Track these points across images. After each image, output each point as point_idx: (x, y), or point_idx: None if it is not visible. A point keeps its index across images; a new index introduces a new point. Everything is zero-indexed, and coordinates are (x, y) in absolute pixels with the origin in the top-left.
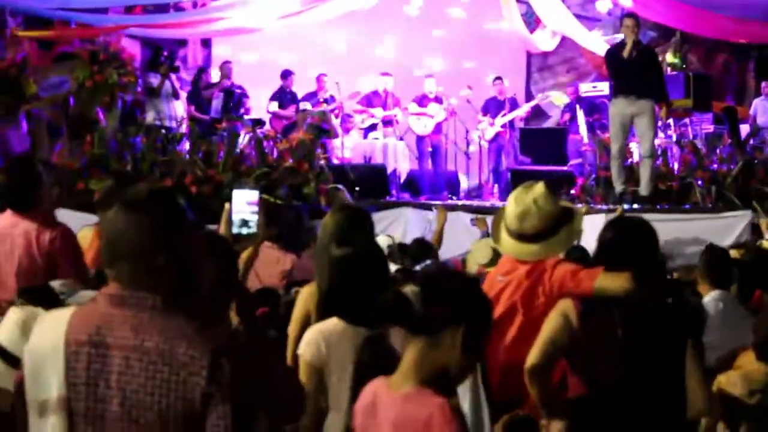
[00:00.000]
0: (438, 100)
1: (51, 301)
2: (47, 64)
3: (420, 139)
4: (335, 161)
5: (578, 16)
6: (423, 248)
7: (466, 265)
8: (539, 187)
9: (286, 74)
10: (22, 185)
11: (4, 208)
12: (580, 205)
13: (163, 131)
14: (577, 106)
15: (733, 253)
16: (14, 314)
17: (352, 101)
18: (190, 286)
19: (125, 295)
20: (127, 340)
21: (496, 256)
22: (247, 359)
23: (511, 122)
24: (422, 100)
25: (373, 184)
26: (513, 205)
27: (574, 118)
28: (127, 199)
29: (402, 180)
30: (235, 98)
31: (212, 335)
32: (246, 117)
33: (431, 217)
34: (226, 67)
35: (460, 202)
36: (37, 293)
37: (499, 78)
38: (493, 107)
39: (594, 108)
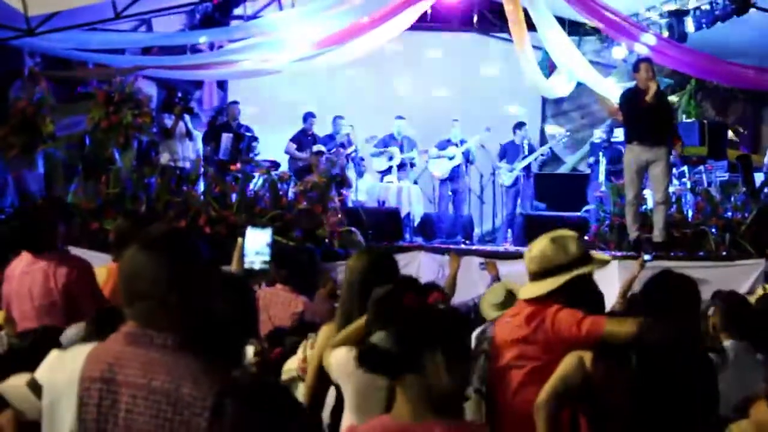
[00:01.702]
0: (458, 144)
1: None
2: (64, 104)
3: (441, 183)
4: (349, 204)
5: (594, 63)
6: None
7: (481, 306)
8: (554, 232)
9: (307, 116)
10: (36, 230)
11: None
12: (608, 254)
13: (178, 172)
14: (601, 153)
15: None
16: (54, 353)
17: (368, 144)
18: (205, 326)
19: (139, 333)
20: (135, 378)
21: (509, 297)
22: (253, 401)
23: (528, 167)
24: (444, 144)
25: (386, 227)
26: (529, 247)
27: (597, 162)
28: (145, 239)
29: (415, 224)
30: (245, 140)
31: (220, 376)
32: (260, 158)
33: (444, 262)
34: (233, 109)
35: (473, 247)
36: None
37: (522, 124)
38: (511, 152)
39: (616, 155)
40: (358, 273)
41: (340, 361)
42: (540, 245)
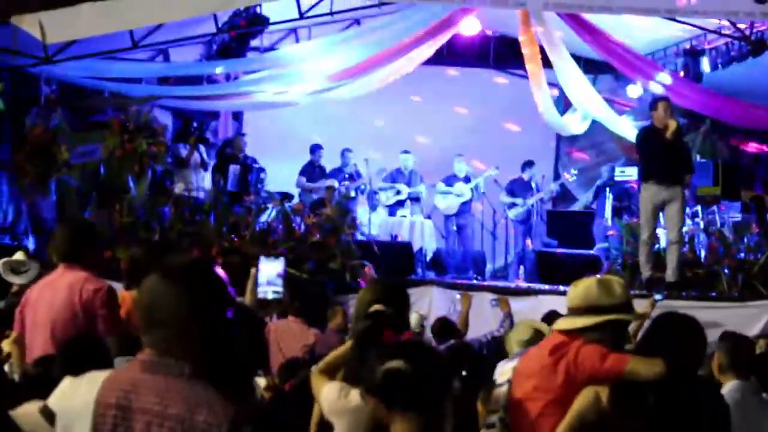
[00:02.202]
0: (467, 180)
1: (98, 357)
2: (79, 132)
3: (447, 218)
4: (361, 237)
5: (609, 101)
6: (446, 328)
7: (507, 342)
8: (596, 278)
9: (314, 149)
10: (80, 240)
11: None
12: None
13: (191, 202)
14: (608, 189)
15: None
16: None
17: (378, 177)
18: (223, 356)
19: (156, 361)
20: (151, 406)
21: (536, 335)
22: (267, 429)
23: (540, 204)
24: (450, 180)
25: (398, 261)
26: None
27: (600, 198)
28: (166, 269)
29: (428, 258)
30: (253, 172)
31: (235, 404)
32: (272, 190)
33: (456, 299)
34: (240, 140)
35: (485, 283)
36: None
37: (531, 162)
38: (518, 188)
39: (623, 193)
40: (367, 305)
41: (331, 397)
42: (586, 283)
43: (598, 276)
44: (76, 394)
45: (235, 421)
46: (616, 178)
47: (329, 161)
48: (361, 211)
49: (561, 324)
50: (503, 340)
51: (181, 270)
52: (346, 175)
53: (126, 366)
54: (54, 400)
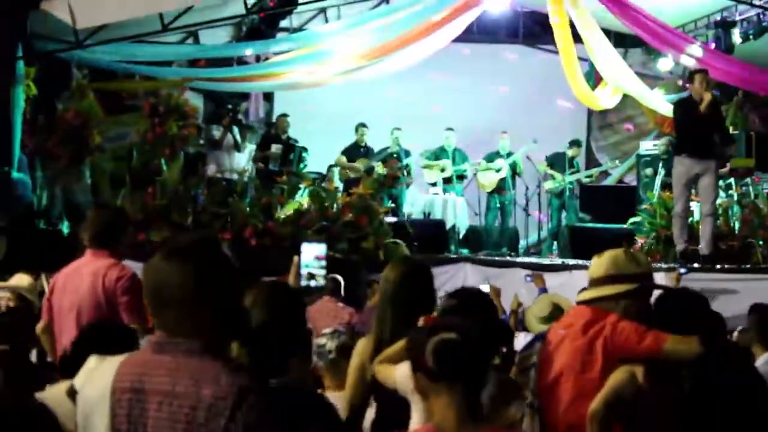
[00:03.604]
0: (504, 156)
1: (122, 342)
2: (111, 115)
3: (489, 195)
4: (397, 216)
5: (639, 74)
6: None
7: (526, 319)
8: (621, 248)
9: (358, 127)
10: (108, 225)
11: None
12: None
13: (224, 183)
14: (660, 164)
15: None
16: (92, 361)
17: (421, 157)
18: (234, 331)
19: (165, 341)
20: (162, 386)
21: (555, 310)
22: (274, 400)
23: (575, 179)
24: (492, 156)
25: (432, 239)
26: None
27: (656, 173)
28: (168, 249)
29: (461, 236)
30: (295, 152)
31: (242, 376)
32: (306, 170)
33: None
34: (283, 121)
35: (519, 259)
36: (103, 332)
37: (577, 143)
38: (558, 162)
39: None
40: (391, 284)
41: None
42: (611, 253)
43: (621, 249)
44: (95, 380)
45: (241, 393)
46: (649, 153)
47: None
48: (399, 189)
49: (587, 294)
50: None
51: (182, 249)
52: (393, 154)
53: (140, 349)
54: (79, 381)
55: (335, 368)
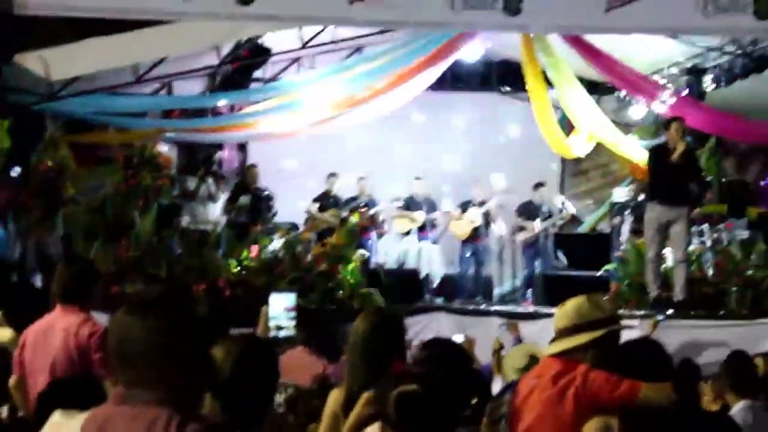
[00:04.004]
0: (475, 204)
1: (87, 395)
2: (85, 167)
3: (463, 244)
4: (370, 265)
5: (612, 122)
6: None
7: (503, 368)
8: (584, 295)
9: (329, 176)
10: (80, 280)
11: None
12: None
13: (199, 234)
14: (627, 212)
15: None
16: (56, 416)
17: (392, 205)
18: (200, 385)
19: (127, 393)
20: None
21: (532, 361)
22: None
23: (548, 227)
24: (465, 205)
25: (406, 288)
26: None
27: (623, 222)
28: (133, 302)
29: (435, 284)
30: (262, 202)
31: (195, 424)
32: (279, 220)
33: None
34: (253, 171)
35: (493, 308)
36: (70, 387)
37: (541, 184)
38: (530, 211)
39: (641, 215)
40: (361, 334)
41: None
42: (573, 302)
43: (583, 296)
44: None
45: None
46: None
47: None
48: (372, 239)
49: (554, 347)
50: None
51: (148, 302)
52: (361, 204)
53: (105, 403)
54: None
55: (282, 421)
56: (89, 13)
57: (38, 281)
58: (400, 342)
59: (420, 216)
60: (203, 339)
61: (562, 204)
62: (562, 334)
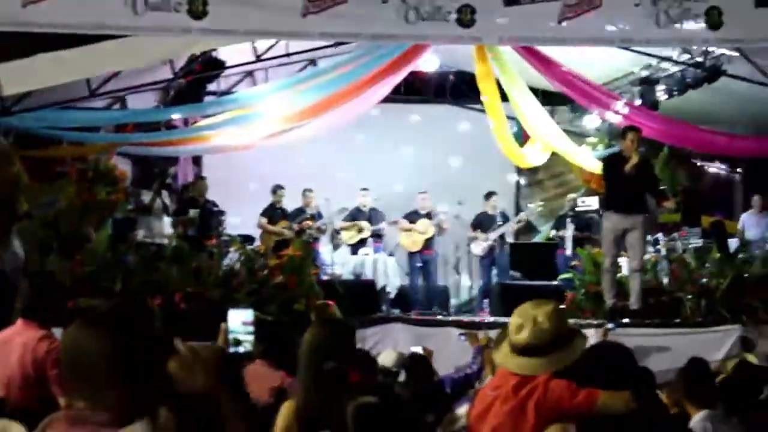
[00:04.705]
0: (428, 216)
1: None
2: (39, 182)
3: (411, 255)
4: (325, 277)
5: (567, 131)
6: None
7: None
8: (545, 304)
9: (275, 189)
10: (42, 295)
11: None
12: (592, 331)
13: (154, 248)
14: (568, 220)
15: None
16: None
17: (338, 217)
18: (153, 400)
19: (79, 414)
20: None
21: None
22: None
23: (502, 237)
24: (412, 216)
25: (363, 299)
26: (515, 316)
27: (562, 229)
28: (86, 316)
29: (392, 296)
30: (212, 216)
31: None
32: (234, 233)
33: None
34: (201, 184)
35: (450, 318)
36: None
37: (492, 193)
38: (484, 222)
39: (583, 223)
40: (309, 346)
41: None
42: (530, 316)
43: (536, 306)
44: None
45: None
46: (577, 209)
47: (290, 202)
48: (324, 251)
49: (521, 368)
50: (476, 377)
51: (100, 316)
52: (308, 215)
53: (57, 422)
54: None
55: None
56: (41, 29)
57: None
58: (350, 353)
59: (366, 226)
60: (158, 352)
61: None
62: (524, 351)
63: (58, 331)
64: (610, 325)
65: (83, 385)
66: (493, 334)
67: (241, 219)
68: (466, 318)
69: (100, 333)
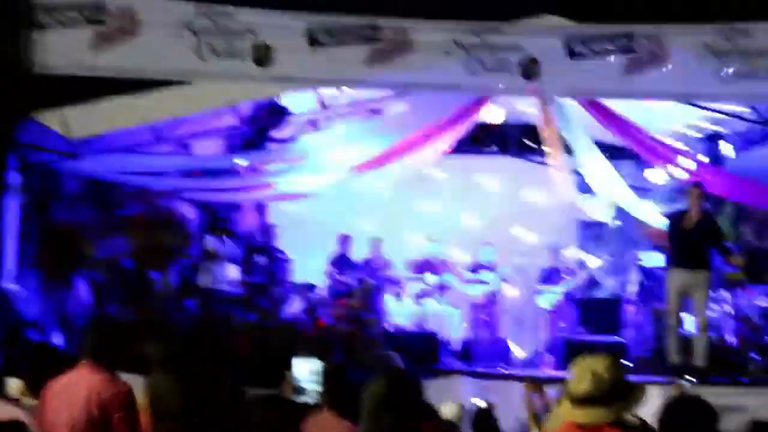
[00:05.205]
0: (492, 268)
1: None
2: (104, 226)
3: (475, 307)
4: (388, 328)
5: (631, 186)
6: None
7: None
8: (602, 356)
9: (343, 239)
10: (104, 337)
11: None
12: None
13: (218, 294)
14: (633, 276)
15: None
16: None
17: (405, 267)
18: None
19: None
20: None
21: None
22: None
23: (569, 292)
24: (477, 267)
25: (424, 351)
26: (574, 369)
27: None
28: (168, 363)
29: (454, 348)
30: (278, 263)
31: None
32: (297, 281)
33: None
34: (270, 232)
35: (513, 372)
36: None
37: (559, 247)
38: (552, 276)
39: (647, 278)
40: (376, 396)
41: None
42: (588, 367)
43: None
44: None
45: None
46: (643, 264)
47: (357, 251)
48: (387, 301)
49: (586, 417)
50: None
51: (177, 360)
52: (375, 266)
53: None
54: None
55: None
56: (109, 73)
57: (57, 340)
58: (419, 403)
59: (433, 278)
60: (233, 398)
61: (581, 266)
62: (584, 401)
63: (123, 375)
64: (683, 382)
65: (162, 426)
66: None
67: (306, 266)
68: (528, 372)
69: (175, 376)
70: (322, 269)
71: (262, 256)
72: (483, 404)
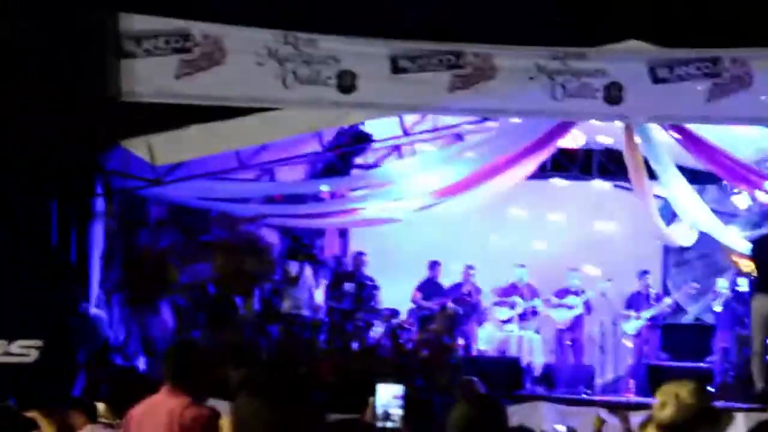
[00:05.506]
0: (577, 293)
1: None
2: (188, 252)
3: (560, 332)
4: (471, 353)
5: (715, 211)
6: None
7: None
8: (687, 382)
9: (432, 265)
10: (187, 361)
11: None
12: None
13: (300, 320)
14: (718, 302)
15: None
16: None
17: (492, 293)
18: None
19: None
20: None
21: None
22: None
23: (654, 317)
24: (562, 293)
25: (506, 376)
26: (658, 395)
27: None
28: (254, 387)
29: (536, 373)
30: (366, 290)
31: None
32: (381, 307)
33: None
34: (359, 259)
35: (596, 398)
36: None
37: (646, 272)
38: (638, 301)
39: (733, 303)
40: (460, 422)
41: None
42: (672, 393)
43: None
44: None
45: None
46: (727, 290)
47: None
48: (470, 326)
49: None
50: None
51: (267, 387)
52: (464, 292)
53: None
54: None
55: None
56: (194, 101)
57: (141, 364)
58: (502, 429)
59: (520, 302)
60: (317, 422)
61: (666, 292)
62: (669, 428)
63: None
64: None
65: None
66: (606, 416)
67: (389, 293)
68: (611, 398)
69: (264, 402)
70: (407, 295)
71: (351, 282)
72: (564, 430)
